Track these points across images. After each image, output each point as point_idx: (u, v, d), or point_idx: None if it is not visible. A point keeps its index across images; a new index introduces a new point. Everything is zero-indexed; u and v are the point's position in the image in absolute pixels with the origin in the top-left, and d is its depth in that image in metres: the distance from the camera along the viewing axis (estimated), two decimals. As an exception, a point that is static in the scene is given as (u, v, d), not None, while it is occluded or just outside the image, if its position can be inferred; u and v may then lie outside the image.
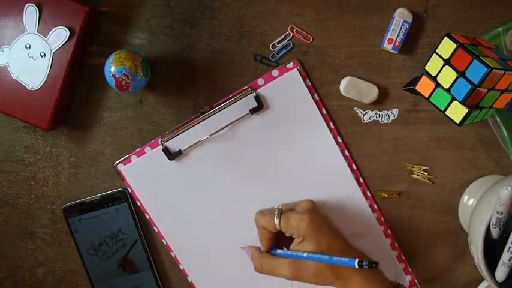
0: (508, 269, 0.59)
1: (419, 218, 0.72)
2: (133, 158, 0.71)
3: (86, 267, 0.74)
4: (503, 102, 0.62)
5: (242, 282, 0.74)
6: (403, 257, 0.73)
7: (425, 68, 0.60)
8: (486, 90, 0.57)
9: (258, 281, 0.74)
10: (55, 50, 0.66)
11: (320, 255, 0.58)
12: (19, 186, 0.74)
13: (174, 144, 0.70)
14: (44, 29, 0.66)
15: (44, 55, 0.66)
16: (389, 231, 0.72)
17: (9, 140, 0.73)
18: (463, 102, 0.57)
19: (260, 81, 0.68)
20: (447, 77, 0.58)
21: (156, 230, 0.73)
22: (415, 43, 0.67)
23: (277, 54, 0.68)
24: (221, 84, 0.70)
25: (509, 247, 0.57)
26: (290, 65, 0.68)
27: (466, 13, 0.66)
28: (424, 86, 0.60)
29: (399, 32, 0.65)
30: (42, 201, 0.75)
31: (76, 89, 0.71)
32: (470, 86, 0.56)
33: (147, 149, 0.70)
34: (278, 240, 0.65)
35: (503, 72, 0.56)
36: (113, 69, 0.63)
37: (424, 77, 0.60)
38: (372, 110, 0.69)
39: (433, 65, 0.59)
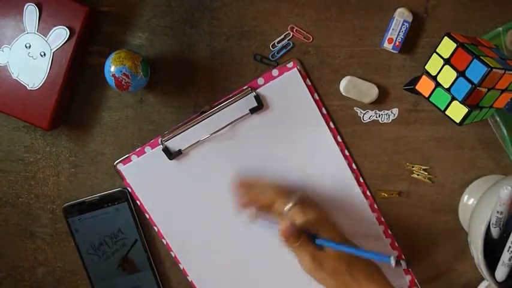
0: (508, 268, 0.58)
1: (419, 218, 0.72)
2: (134, 157, 0.71)
3: (86, 267, 0.74)
4: (503, 101, 0.62)
5: (242, 282, 0.74)
6: (403, 256, 0.73)
7: (425, 67, 0.60)
8: (486, 89, 0.57)
9: (258, 280, 0.74)
10: (55, 49, 0.66)
11: (357, 249, 0.59)
12: (19, 186, 0.74)
13: (174, 144, 0.70)
14: (44, 28, 0.66)
15: (44, 55, 0.67)
16: (389, 231, 0.72)
17: (9, 139, 0.73)
18: (463, 102, 0.57)
19: (260, 80, 0.68)
20: (447, 76, 0.58)
21: (156, 230, 0.73)
22: (415, 43, 0.67)
23: (277, 54, 0.68)
24: (221, 84, 0.70)
25: (509, 247, 0.57)
26: (290, 65, 0.68)
27: (466, 13, 0.66)
28: (424, 86, 0.60)
29: (399, 32, 0.65)
30: (42, 201, 0.75)
31: (76, 89, 0.71)
32: (470, 86, 0.56)
33: (147, 148, 0.70)
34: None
35: (503, 71, 0.56)
36: (113, 69, 0.63)
37: (424, 77, 0.60)
38: (372, 110, 0.69)
39: (433, 64, 0.59)
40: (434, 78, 0.59)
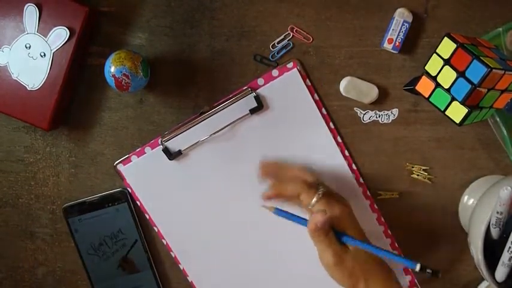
0: (508, 269, 0.59)
1: (419, 218, 0.72)
2: (134, 158, 0.71)
3: (86, 267, 0.74)
4: (503, 102, 0.62)
5: (242, 283, 0.74)
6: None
7: (425, 68, 0.60)
8: (486, 90, 0.57)
9: (258, 280, 0.74)
10: (55, 50, 0.66)
11: (383, 250, 0.58)
12: (19, 186, 0.74)
13: (174, 144, 0.70)
14: (44, 29, 0.66)
15: (44, 55, 0.66)
16: (389, 231, 0.72)
17: (9, 140, 0.73)
18: (463, 102, 0.57)
19: (260, 81, 0.68)
20: (447, 77, 0.58)
21: (156, 230, 0.73)
22: (415, 43, 0.67)
23: (277, 54, 0.68)
24: (221, 84, 0.70)
25: (509, 247, 0.57)
26: (290, 65, 0.68)
27: (466, 13, 0.66)
28: (424, 86, 0.60)
29: (399, 32, 0.65)
30: (42, 201, 0.75)
31: (76, 89, 0.71)
32: (470, 86, 0.56)
33: (147, 149, 0.70)
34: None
35: (503, 72, 0.56)
36: (113, 69, 0.63)
37: (424, 77, 0.60)
38: (372, 110, 0.69)
39: (433, 65, 0.59)
40: (434, 78, 0.59)
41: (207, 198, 0.71)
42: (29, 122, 0.68)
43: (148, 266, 0.74)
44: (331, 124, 0.69)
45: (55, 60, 0.66)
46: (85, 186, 0.73)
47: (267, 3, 0.68)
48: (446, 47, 0.57)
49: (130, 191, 0.72)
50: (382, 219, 0.72)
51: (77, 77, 0.70)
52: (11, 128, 0.73)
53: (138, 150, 0.71)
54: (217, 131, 0.69)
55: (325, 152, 0.70)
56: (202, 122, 0.69)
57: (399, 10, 0.65)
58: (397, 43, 0.66)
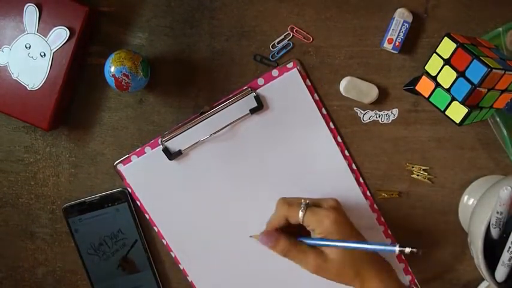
0: (508, 269, 0.59)
1: (419, 218, 0.72)
2: (134, 158, 0.71)
3: (86, 267, 0.74)
4: (503, 102, 0.62)
5: (242, 282, 0.74)
6: (403, 257, 0.73)
7: (425, 68, 0.60)
8: (486, 90, 0.57)
9: (257, 280, 0.74)
10: (55, 50, 0.66)
11: (360, 243, 0.57)
12: (19, 186, 0.74)
13: (174, 144, 0.70)
14: (44, 29, 0.66)
15: (44, 55, 0.67)
16: (389, 231, 0.72)
17: (9, 140, 0.73)
18: (463, 102, 0.57)
19: (260, 81, 0.68)
20: (447, 77, 0.58)
21: (156, 230, 0.73)
22: (415, 43, 0.67)
23: (277, 54, 0.68)
24: (221, 84, 0.70)
25: (509, 247, 0.57)
26: (290, 65, 0.68)
27: (466, 13, 0.66)
28: (424, 86, 0.60)
29: (399, 32, 0.65)
30: (42, 201, 0.75)
31: (76, 89, 0.71)
32: (470, 86, 0.56)
33: (147, 149, 0.70)
34: (289, 231, 0.63)
35: (503, 72, 0.56)
36: (113, 69, 0.63)
37: (424, 77, 0.60)
38: (372, 110, 0.69)
39: (433, 65, 0.59)
40: (434, 78, 0.59)
41: (207, 198, 0.71)
42: (29, 122, 0.68)
43: (148, 266, 0.74)
44: (331, 124, 0.69)
45: (55, 60, 0.66)
46: (85, 186, 0.73)
47: (267, 3, 0.68)
48: (446, 47, 0.57)
49: (130, 191, 0.72)
50: (382, 219, 0.72)
51: (77, 76, 0.70)
52: (11, 128, 0.73)
53: (138, 150, 0.71)
54: (217, 131, 0.69)
55: (325, 152, 0.70)
56: (202, 122, 0.69)
57: (399, 10, 0.65)
58: (397, 43, 0.66)
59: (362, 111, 0.69)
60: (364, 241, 0.60)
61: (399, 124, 0.69)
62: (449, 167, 0.70)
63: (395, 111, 0.69)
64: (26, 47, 0.67)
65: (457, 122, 0.59)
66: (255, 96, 0.68)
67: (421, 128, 0.69)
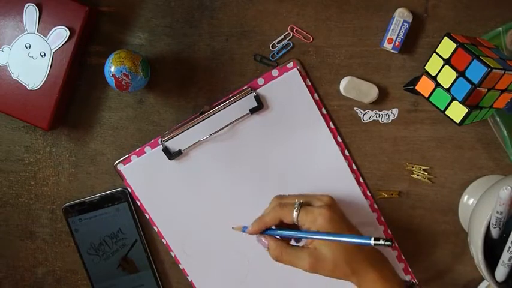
0: (508, 269, 0.58)
1: (419, 218, 0.72)
2: (134, 157, 0.71)
3: (86, 267, 0.74)
4: (503, 102, 0.62)
5: (242, 282, 0.74)
6: (403, 257, 0.73)
7: (425, 67, 0.60)
8: (486, 90, 0.57)
9: (257, 280, 0.74)
10: (55, 49, 0.66)
11: (337, 235, 0.57)
12: (19, 186, 0.74)
13: (174, 144, 0.70)
14: (44, 28, 0.66)
15: (44, 55, 0.67)
16: (389, 231, 0.72)
17: (9, 140, 0.73)
18: (463, 102, 0.57)
19: (260, 81, 0.68)
20: (447, 76, 0.58)
21: (156, 230, 0.73)
22: (415, 43, 0.67)
23: (277, 54, 0.68)
24: (221, 84, 0.70)
25: (509, 247, 0.57)
26: (290, 65, 0.68)
27: (466, 13, 0.66)
28: (424, 86, 0.60)
29: (399, 32, 0.65)
30: (42, 201, 0.75)
31: (76, 89, 0.71)
32: (470, 86, 0.56)
33: (147, 148, 0.70)
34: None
35: (503, 72, 0.56)
36: (113, 69, 0.63)
37: (424, 77, 0.60)
38: (372, 110, 0.69)
39: (433, 64, 0.59)
40: (434, 78, 0.59)
41: (207, 198, 0.71)
42: (29, 122, 0.68)
43: (148, 266, 0.74)
44: (331, 124, 0.69)
45: (55, 60, 0.66)
46: (85, 186, 0.73)
47: (267, 3, 0.68)
48: (446, 46, 0.57)
49: (130, 190, 0.72)
50: (382, 219, 0.72)
51: (77, 76, 0.70)
52: (11, 128, 0.73)
53: (138, 150, 0.71)
54: (218, 131, 0.69)
55: (325, 152, 0.70)
56: (202, 122, 0.69)
57: (399, 10, 0.65)
58: (397, 43, 0.66)
59: (362, 111, 0.69)
60: (342, 234, 0.59)
61: (399, 124, 0.69)
62: (449, 167, 0.70)
63: (395, 111, 0.69)
64: (26, 47, 0.67)
65: (457, 121, 0.59)
66: (255, 96, 0.68)
67: (421, 128, 0.69)
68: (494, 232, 0.59)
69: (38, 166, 0.74)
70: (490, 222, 0.58)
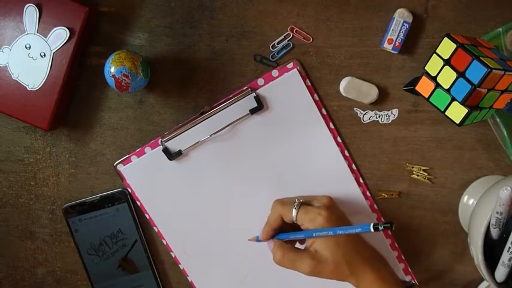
0: (508, 269, 0.59)
1: (419, 218, 0.72)
2: (134, 158, 0.71)
3: (86, 267, 0.74)
4: (503, 102, 0.62)
5: (242, 282, 0.74)
6: (403, 257, 0.73)
7: (425, 68, 0.60)
8: (486, 90, 0.57)
9: (257, 280, 0.74)
10: (55, 50, 0.66)
11: (334, 228, 0.57)
12: (19, 186, 0.74)
13: (174, 144, 0.70)
14: (44, 29, 0.66)
15: (44, 55, 0.66)
16: (389, 231, 0.72)
17: (9, 140, 0.73)
18: (463, 103, 0.57)
19: (260, 81, 0.68)
20: (447, 77, 0.58)
21: (156, 230, 0.73)
22: (415, 43, 0.67)
23: (277, 54, 0.68)
24: (221, 84, 0.70)
25: (509, 247, 0.57)
26: (290, 65, 0.68)
27: (466, 13, 0.66)
28: (424, 86, 0.60)
29: (399, 32, 0.65)
30: (42, 201, 0.75)
31: (76, 90, 0.71)
32: (470, 87, 0.56)
33: (147, 149, 0.70)
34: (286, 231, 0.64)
35: (503, 72, 0.56)
36: (112, 69, 0.63)
37: (424, 77, 0.60)
38: (372, 110, 0.69)
39: (433, 65, 0.59)
40: (434, 78, 0.59)
41: (207, 198, 0.71)
42: (29, 122, 0.68)
43: (149, 266, 0.74)
44: (331, 124, 0.69)
45: (55, 60, 0.66)
46: (85, 186, 0.73)
47: (267, 3, 0.68)
48: (446, 47, 0.57)
49: (130, 191, 0.72)
50: (382, 219, 0.72)
51: (77, 77, 0.70)
52: (11, 128, 0.73)
53: (138, 150, 0.71)
54: (218, 131, 0.69)
55: (325, 152, 0.70)
56: (202, 122, 0.69)
57: (399, 10, 0.65)
58: (397, 43, 0.66)
59: (362, 112, 0.69)
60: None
61: (399, 124, 0.69)
62: (449, 167, 0.70)
63: (395, 111, 0.69)
64: (26, 48, 0.67)
65: (457, 122, 0.59)
66: (255, 97, 0.68)
67: (421, 128, 0.69)
68: (494, 232, 0.59)
69: (38, 166, 0.74)
70: (490, 223, 0.58)
